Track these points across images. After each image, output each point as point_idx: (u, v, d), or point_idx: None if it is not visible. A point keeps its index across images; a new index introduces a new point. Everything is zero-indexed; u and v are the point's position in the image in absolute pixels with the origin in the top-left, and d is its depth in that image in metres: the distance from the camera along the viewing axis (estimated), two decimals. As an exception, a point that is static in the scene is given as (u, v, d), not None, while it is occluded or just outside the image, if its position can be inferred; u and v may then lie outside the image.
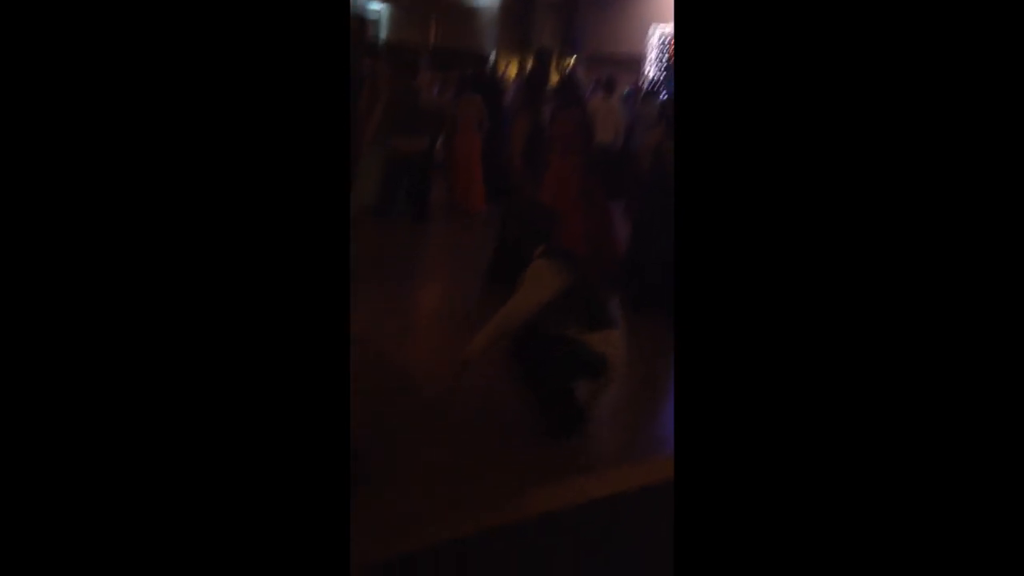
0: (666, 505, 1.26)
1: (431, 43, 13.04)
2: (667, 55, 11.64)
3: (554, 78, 7.23)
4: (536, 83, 5.93)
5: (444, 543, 2.16)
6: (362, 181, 6.30)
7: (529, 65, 9.74)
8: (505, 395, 3.11)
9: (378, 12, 14.10)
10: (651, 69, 12.04)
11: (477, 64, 10.14)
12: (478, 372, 3.04)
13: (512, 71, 10.53)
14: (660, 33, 12.07)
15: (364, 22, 12.92)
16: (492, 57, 12.63)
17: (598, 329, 2.95)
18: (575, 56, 11.91)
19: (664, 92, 8.87)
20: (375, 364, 3.40)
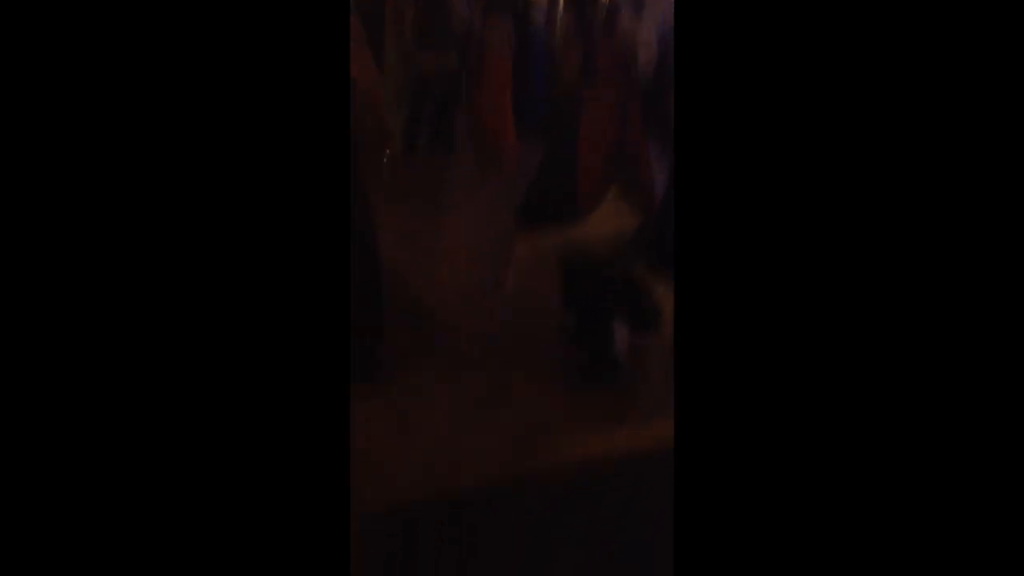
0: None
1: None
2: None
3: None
4: (577, 9, 5.55)
5: (458, 491, 2.13)
6: (387, 108, 6.03)
7: (561, -11, 9.23)
8: (538, 333, 2.97)
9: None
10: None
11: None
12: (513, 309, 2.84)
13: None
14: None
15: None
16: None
17: (662, 278, 2.80)
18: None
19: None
20: (398, 301, 3.29)
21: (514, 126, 6.56)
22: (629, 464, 2.39)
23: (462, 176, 5.96)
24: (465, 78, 6.41)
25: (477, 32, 6.36)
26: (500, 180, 5.60)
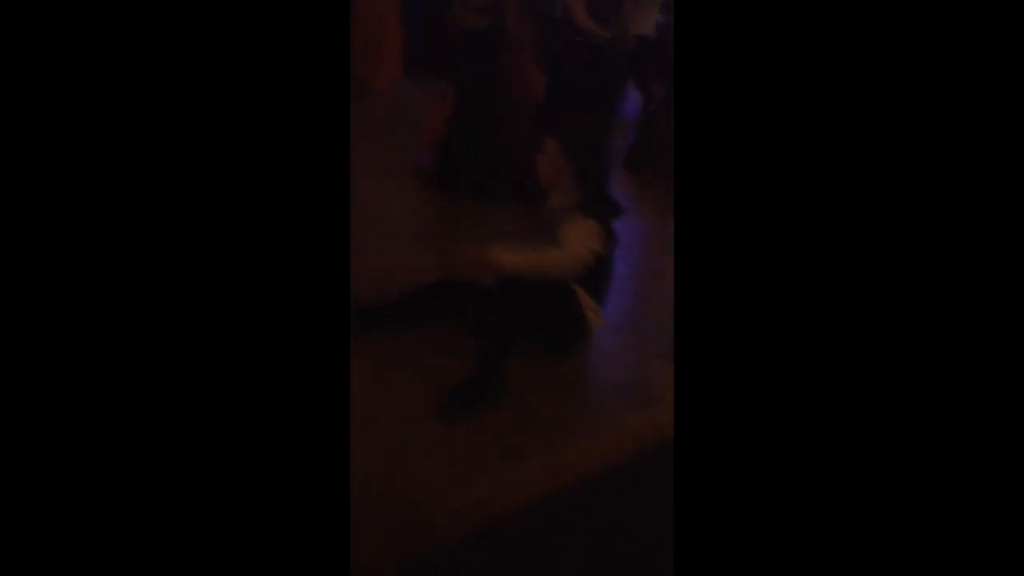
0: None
1: None
2: None
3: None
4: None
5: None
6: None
7: None
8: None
9: None
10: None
11: None
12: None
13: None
14: None
15: None
16: None
17: (595, 302, 2.59)
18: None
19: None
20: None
21: (402, 63, 5.71)
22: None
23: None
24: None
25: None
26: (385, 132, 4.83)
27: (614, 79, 4.02)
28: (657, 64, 4.34)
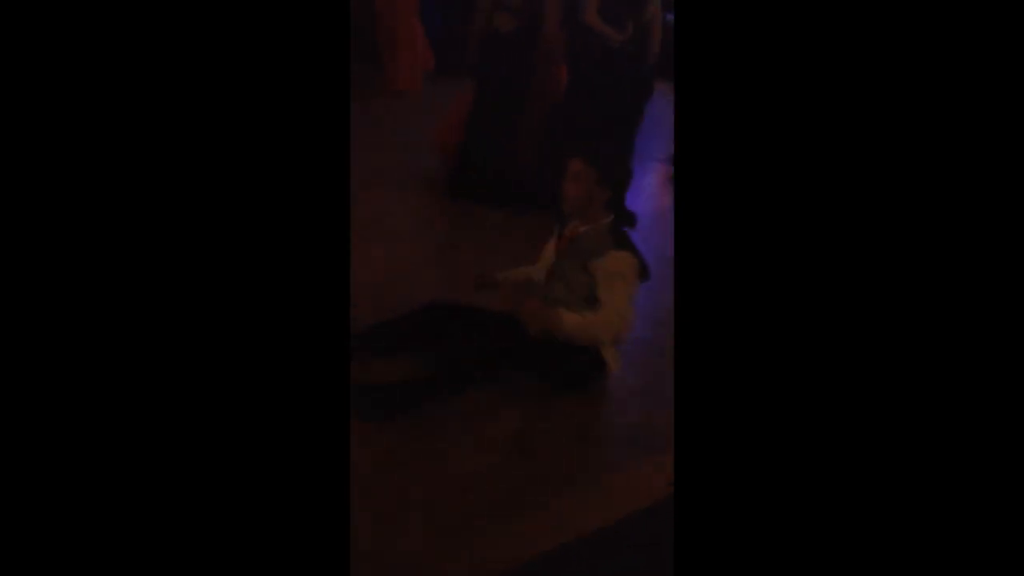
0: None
1: None
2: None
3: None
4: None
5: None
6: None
7: None
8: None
9: None
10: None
11: None
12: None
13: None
14: None
15: None
16: None
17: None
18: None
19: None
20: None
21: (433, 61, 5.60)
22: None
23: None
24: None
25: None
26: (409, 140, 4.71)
27: (635, 82, 3.86)
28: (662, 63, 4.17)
